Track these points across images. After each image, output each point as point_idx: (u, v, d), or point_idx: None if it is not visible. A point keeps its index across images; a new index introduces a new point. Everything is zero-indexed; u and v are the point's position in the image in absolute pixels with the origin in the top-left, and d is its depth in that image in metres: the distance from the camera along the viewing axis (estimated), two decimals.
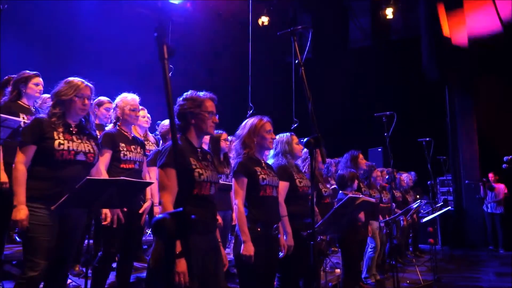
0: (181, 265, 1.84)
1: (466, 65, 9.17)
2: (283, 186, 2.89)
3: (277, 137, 3.08)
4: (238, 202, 2.48)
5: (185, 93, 2.25)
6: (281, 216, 2.78)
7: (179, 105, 2.20)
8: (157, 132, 4.29)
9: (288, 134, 3.12)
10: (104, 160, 2.86)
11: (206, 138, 3.58)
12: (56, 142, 2.25)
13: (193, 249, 2.01)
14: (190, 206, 2.06)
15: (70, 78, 2.41)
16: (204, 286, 2.06)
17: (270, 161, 3.04)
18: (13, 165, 2.25)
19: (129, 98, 3.08)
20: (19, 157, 2.25)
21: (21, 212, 2.13)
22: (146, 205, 3.07)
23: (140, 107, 4.05)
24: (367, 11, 11.84)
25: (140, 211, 3.01)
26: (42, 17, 6.29)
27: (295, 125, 6.94)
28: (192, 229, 0.97)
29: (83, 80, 2.42)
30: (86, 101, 2.38)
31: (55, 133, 2.27)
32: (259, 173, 2.58)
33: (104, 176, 2.75)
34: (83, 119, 2.44)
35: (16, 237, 3.84)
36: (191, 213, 2.04)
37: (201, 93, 2.25)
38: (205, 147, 3.15)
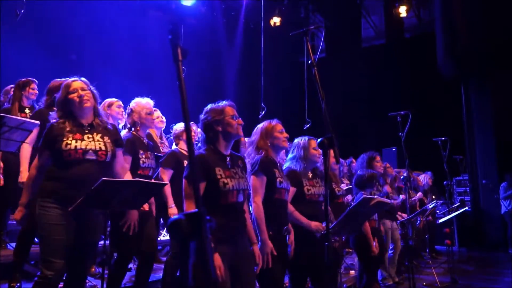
0: (216, 259, 1.97)
1: (483, 62, 8.99)
2: (290, 190, 2.87)
3: (296, 140, 3.07)
4: (257, 200, 2.47)
5: (205, 108, 2.32)
6: (289, 212, 2.79)
7: (203, 119, 2.29)
8: (171, 137, 4.31)
9: (306, 138, 3.05)
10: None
11: None
12: (64, 143, 2.26)
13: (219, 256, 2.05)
14: (216, 216, 2.07)
15: (62, 84, 2.45)
16: None
17: (286, 164, 3.04)
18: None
19: (143, 102, 3.08)
20: (34, 161, 2.36)
21: (17, 214, 2.32)
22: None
23: (153, 108, 4.11)
24: (380, 9, 11.71)
25: (147, 209, 2.98)
26: (55, 21, 6.39)
27: (308, 125, 6.92)
28: (207, 229, 0.97)
29: (71, 78, 2.43)
30: (81, 92, 2.36)
31: (64, 134, 2.28)
32: (277, 176, 2.59)
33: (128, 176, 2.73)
34: (96, 112, 2.43)
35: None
36: (216, 223, 2.08)
37: (220, 103, 2.31)
38: None
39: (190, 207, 2.06)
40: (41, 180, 2.30)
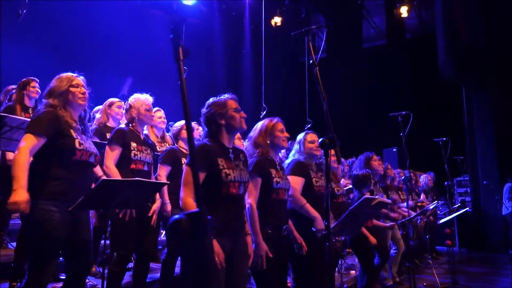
0: (215, 245, 1.96)
1: (484, 63, 8.98)
2: (298, 180, 2.88)
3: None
4: (251, 201, 2.46)
5: (206, 102, 2.30)
6: (301, 205, 2.79)
7: (205, 113, 2.27)
8: (170, 134, 4.31)
9: (303, 133, 3.13)
10: (113, 156, 2.80)
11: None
12: (77, 141, 2.16)
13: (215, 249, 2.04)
14: (217, 207, 2.09)
15: (60, 75, 2.34)
16: (229, 285, 2.11)
17: (289, 160, 3.06)
18: (17, 150, 2.04)
19: (142, 98, 3.04)
20: (28, 142, 2.05)
21: (22, 196, 1.94)
22: (155, 206, 3.00)
23: (157, 108, 4.10)
24: (381, 9, 11.70)
25: (150, 214, 2.96)
26: (57, 21, 6.40)
27: (309, 125, 6.92)
28: (209, 229, 0.97)
29: (73, 74, 2.36)
30: (83, 89, 2.29)
31: (71, 131, 2.18)
32: (273, 176, 2.57)
33: (115, 172, 2.73)
34: (82, 114, 2.35)
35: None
36: (212, 214, 2.08)
37: (222, 97, 2.31)
38: None
39: (186, 193, 2.05)
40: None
